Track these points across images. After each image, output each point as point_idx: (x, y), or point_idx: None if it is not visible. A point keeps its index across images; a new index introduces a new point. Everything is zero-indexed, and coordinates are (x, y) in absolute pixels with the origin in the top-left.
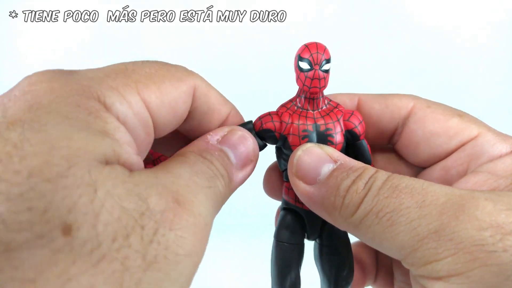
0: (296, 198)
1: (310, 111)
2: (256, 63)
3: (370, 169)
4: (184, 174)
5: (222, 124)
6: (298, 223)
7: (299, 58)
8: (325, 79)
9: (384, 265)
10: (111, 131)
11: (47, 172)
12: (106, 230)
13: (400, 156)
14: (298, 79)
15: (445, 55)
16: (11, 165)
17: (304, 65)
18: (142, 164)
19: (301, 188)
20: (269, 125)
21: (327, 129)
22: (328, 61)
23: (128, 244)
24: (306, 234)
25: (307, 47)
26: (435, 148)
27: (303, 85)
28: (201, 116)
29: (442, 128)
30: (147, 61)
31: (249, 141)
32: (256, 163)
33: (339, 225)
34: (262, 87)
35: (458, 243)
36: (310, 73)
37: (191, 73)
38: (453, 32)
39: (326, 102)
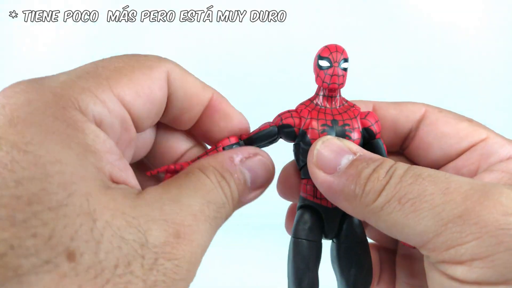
0: (315, 194)
1: (329, 108)
2: (256, 63)
3: (389, 160)
4: (195, 204)
5: (208, 109)
6: (316, 220)
7: (319, 57)
8: (344, 77)
9: (387, 266)
10: (90, 143)
11: (47, 200)
12: (108, 257)
13: (410, 161)
14: (317, 77)
15: (453, 59)
16: (7, 190)
17: (324, 63)
18: (127, 167)
19: (321, 177)
20: (289, 120)
21: (345, 125)
22: (346, 60)
23: (130, 271)
24: (323, 233)
25: (327, 47)
26: (447, 149)
27: (323, 82)
28: (179, 102)
29: (453, 130)
30: (116, 56)
31: (270, 172)
32: (267, 187)
33: (358, 213)
34: (262, 86)
35: (483, 227)
36: (330, 70)
37: (162, 60)
38: (466, 36)
39: (343, 101)
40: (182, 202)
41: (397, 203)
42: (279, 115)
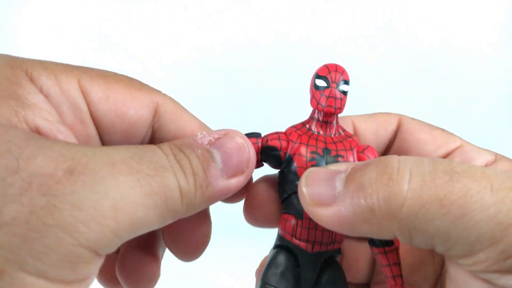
0: (294, 232)
1: (322, 134)
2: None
3: (387, 157)
4: (115, 154)
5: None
6: (291, 266)
7: (316, 76)
8: (342, 101)
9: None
10: (24, 94)
11: None
12: None
13: None
14: (312, 98)
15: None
16: None
17: (321, 83)
18: (69, 134)
19: (324, 214)
20: (275, 142)
21: (339, 156)
22: (346, 82)
23: None
24: (298, 283)
25: (326, 66)
26: (425, 155)
27: (318, 104)
28: (169, 138)
29: (429, 137)
30: (109, 71)
31: (246, 151)
32: (248, 177)
33: (387, 229)
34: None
35: None
36: (327, 91)
37: (156, 90)
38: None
39: (340, 130)
40: (99, 149)
41: (438, 206)
42: (265, 136)
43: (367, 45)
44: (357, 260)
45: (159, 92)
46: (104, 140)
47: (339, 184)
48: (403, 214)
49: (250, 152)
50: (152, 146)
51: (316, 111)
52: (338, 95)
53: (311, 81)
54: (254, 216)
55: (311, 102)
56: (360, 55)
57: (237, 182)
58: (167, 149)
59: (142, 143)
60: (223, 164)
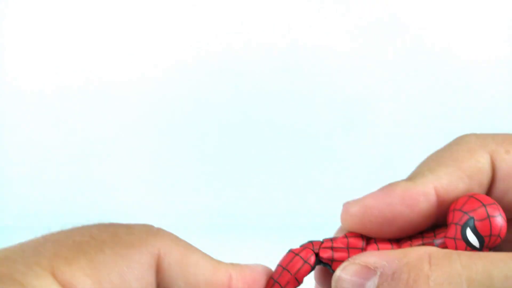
0: None
1: None
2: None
3: (423, 260)
4: None
5: None
6: None
7: (472, 227)
8: None
9: None
10: None
11: None
12: None
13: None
14: (449, 240)
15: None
16: None
17: (473, 239)
18: None
19: None
20: None
21: None
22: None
23: None
24: None
25: (490, 224)
26: None
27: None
28: None
29: None
30: (87, 226)
31: None
32: None
33: None
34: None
35: None
36: None
37: (153, 234)
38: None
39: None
40: None
41: None
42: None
43: (370, 46)
44: None
45: (157, 233)
46: None
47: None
48: None
49: None
50: None
51: (438, 242)
52: None
53: (460, 223)
54: None
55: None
56: (363, 57)
57: None
58: None
59: None
60: None
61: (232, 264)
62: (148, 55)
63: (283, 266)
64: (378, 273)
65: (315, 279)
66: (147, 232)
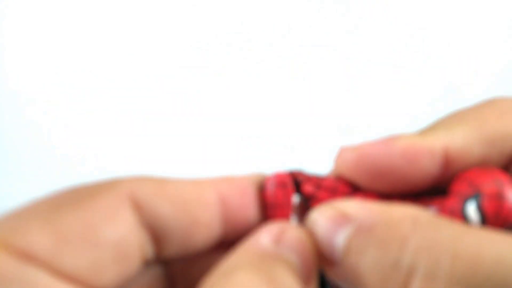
0: None
1: None
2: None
3: (404, 221)
4: None
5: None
6: None
7: (477, 201)
8: None
9: None
10: None
11: None
12: None
13: None
14: None
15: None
16: None
17: (475, 219)
18: None
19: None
20: None
21: None
22: None
23: None
24: None
25: (500, 198)
26: None
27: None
28: (174, 228)
29: None
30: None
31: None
32: None
33: None
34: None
35: None
36: None
37: (120, 180)
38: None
39: None
40: None
41: None
42: None
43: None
44: None
45: (125, 179)
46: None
47: (339, 240)
48: None
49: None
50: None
51: (431, 210)
52: None
53: (464, 195)
54: None
55: None
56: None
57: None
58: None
59: (124, 258)
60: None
61: (219, 179)
62: (148, 55)
63: (267, 199)
64: (354, 224)
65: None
66: (115, 180)
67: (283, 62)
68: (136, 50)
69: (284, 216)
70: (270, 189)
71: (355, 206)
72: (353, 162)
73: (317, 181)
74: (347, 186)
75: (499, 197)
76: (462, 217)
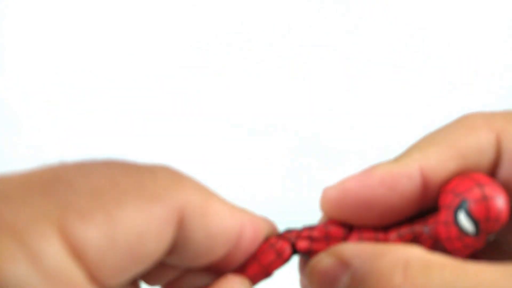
0: None
1: None
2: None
3: (396, 267)
4: None
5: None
6: None
7: (465, 210)
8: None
9: None
10: None
11: None
12: None
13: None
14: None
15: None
16: None
17: (468, 225)
18: None
19: None
20: None
21: None
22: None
23: None
24: None
25: (485, 207)
26: None
27: (447, 239)
28: (195, 246)
29: None
30: (105, 163)
31: None
32: None
33: None
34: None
35: None
36: (469, 240)
37: (176, 185)
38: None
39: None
40: None
41: None
42: None
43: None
44: None
45: (181, 183)
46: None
47: (341, 285)
48: None
49: None
50: None
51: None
52: (482, 246)
53: (451, 200)
54: None
55: (438, 228)
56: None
57: None
58: None
59: (146, 264)
60: None
61: (244, 211)
62: (148, 55)
63: (256, 256)
64: (352, 270)
65: (298, 267)
66: (172, 180)
67: (283, 62)
68: (136, 50)
69: (255, 271)
70: (266, 250)
71: (350, 250)
72: (336, 200)
73: (309, 232)
74: (339, 228)
75: (484, 199)
76: (457, 228)
